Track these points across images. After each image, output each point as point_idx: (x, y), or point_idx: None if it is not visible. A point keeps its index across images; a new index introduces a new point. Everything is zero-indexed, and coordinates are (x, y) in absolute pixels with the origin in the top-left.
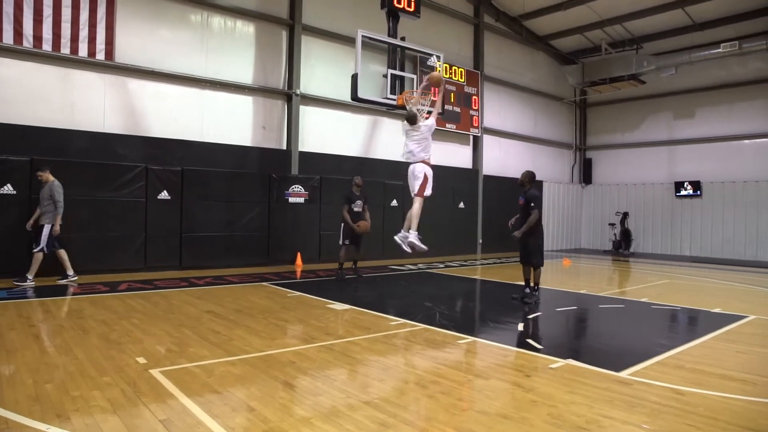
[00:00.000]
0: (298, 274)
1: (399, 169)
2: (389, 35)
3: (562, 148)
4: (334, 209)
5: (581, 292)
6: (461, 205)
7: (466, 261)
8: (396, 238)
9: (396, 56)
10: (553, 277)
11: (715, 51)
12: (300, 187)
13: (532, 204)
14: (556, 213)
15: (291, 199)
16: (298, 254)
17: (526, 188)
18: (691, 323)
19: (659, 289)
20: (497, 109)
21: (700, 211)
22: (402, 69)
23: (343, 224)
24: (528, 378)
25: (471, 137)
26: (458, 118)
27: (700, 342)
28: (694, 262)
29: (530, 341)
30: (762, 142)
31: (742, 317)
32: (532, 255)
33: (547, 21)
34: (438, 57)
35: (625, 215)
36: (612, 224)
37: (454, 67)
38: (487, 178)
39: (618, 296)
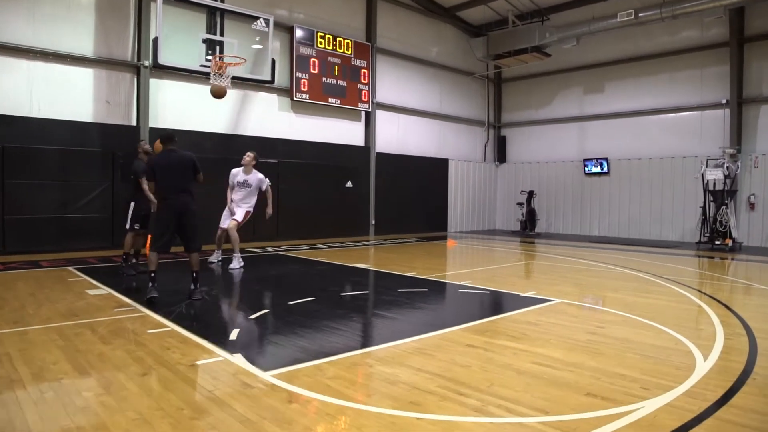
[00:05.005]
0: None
1: (274, 147)
2: None
3: (474, 126)
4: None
5: (406, 274)
6: (348, 184)
7: (345, 243)
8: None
9: (216, 19)
10: (405, 259)
11: (613, 21)
12: None
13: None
14: (467, 192)
15: None
16: (149, 237)
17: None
18: (473, 307)
19: (503, 271)
20: (395, 84)
21: (608, 189)
22: (222, 33)
23: (133, 203)
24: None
25: (363, 113)
26: (343, 93)
27: (429, 336)
28: (592, 242)
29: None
30: (665, 117)
31: (544, 301)
32: (194, 235)
33: None
34: (266, 20)
35: (531, 194)
36: (520, 204)
37: (338, 39)
38: (382, 156)
39: (439, 279)
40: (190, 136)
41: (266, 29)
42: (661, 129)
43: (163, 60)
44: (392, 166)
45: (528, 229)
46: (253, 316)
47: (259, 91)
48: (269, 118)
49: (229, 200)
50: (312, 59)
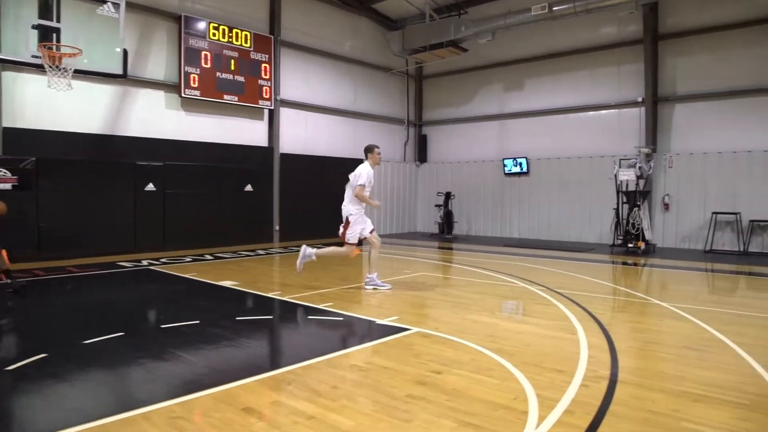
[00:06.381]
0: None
1: (160, 148)
2: None
3: (393, 124)
4: (61, 196)
5: (267, 294)
6: (248, 188)
7: (239, 252)
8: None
9: (51, 1)
10: (284, 273)
11: (528, 15)
12: (4, 171)
13: None
14: (386, 194)
15: None
16: (3, 252)
17: None
18: (303, 344)
19: (385, 287)
20: (303, 80)
21: (527, 189)
22: (59, 18)
23: None
24: None
25: (265, 111)
26: (242, 89)
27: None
28: (507, 246)
29: None
30: (585, 115)
31: (400, 330)
32: None
33: None
34: (116, 5)
35: (448, 195)
36: (439, 206)
37: (235, 30)
38: (288, 156)
39: (300, 300)
40: (58, 137)
41: (116, 15)
42: (581, 127)
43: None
44: (300, 167)
45: (445, 232)
46: (17, 365)
47: (142, 87)
48: (155, 116)
49: (369, 198)
50: (204, 52)
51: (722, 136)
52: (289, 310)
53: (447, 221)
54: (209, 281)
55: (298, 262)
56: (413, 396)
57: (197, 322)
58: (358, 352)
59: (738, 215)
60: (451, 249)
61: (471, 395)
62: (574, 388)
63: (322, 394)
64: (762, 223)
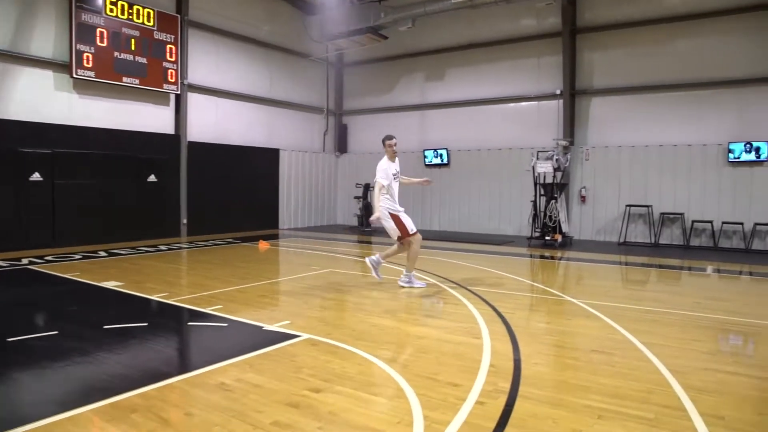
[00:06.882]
0: None
1: (47, 134)
2: None
3: (312, 113)
4: None
5: (151, 297)
6: (152, 178)
7: (138, 248)
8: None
9: None
10: (183, 271)
11: (447, 2)
12: None
13: None
14: (303, 186)
15: None
16: None
17: None
18: (174, 358)
19: (284, 287)
20: (214, 64)
21: (448, 181)
22: None
23: None
24: None
25: (171, 96)
26: (143, 71)
27: None
28: (426, 239)
29: None
30: (505, 107)
31: (289, 338)
32: None
33: None
34: None
35: (367, 187)
36: (358, 198)
37: (136, 7)
38: (197, 145)
39: (186, 304)
40: None
41: None
42: (501, 119)
43: None
44: (210, 157)
45: (364, 225)
46: None
47: (25, 65)
48: (42, 98)
49: (379, 201)
50: (99, 29)
51: (636, 130)
52: (169, 316)
53: (366, 214)
54: (91, 282)
55: (374, 274)
56: (279, 423)
57: (55, 332)
58: (230, 366)
59: (650, 208)
60: (369, 243)
61: (348, 420)
62: (468, 406)
63: (171, 424)
64: (671, 216)
